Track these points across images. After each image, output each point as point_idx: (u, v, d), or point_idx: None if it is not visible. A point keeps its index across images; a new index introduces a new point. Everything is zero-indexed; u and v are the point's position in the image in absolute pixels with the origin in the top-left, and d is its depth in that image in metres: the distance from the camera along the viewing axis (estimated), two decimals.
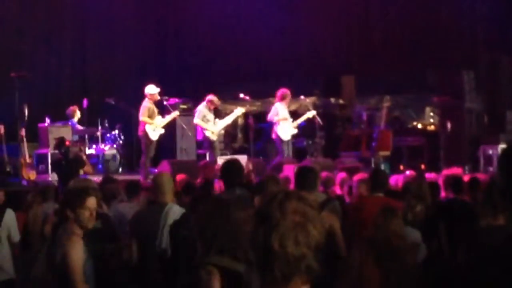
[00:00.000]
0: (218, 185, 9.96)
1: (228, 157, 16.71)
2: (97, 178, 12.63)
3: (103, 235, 7.12)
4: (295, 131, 17.29)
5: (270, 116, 17.07)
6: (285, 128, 17.04)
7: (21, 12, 20.02)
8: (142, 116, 16.05)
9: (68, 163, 13.10)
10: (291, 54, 21.56)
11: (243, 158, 16.63)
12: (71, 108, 17.94)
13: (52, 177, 15.51)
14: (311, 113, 17.53)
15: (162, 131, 16.34)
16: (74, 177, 9.78)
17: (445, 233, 8.03)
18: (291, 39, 21.66)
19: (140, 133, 16.18)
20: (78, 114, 17.94)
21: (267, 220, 2.84)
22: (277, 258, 2.81)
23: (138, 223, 7.82)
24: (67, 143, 13.97)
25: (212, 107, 16.88)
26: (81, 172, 13.06)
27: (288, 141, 17.15)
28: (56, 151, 14.65)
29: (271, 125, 17.15)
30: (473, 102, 19.99)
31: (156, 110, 16.30)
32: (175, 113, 16.86)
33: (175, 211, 7.68)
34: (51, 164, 15.25)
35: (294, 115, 17.91)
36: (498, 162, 3.21)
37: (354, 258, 6.70)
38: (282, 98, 17.04)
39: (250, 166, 15.57)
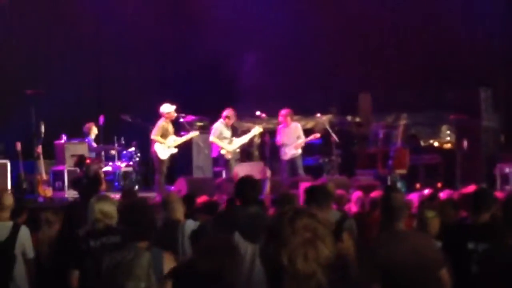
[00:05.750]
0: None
1: (246, 164, 16.80)
2: (113, 195, 12.65)
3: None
4: (296, 151, 17.40)
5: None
6: (285, 149, 17.33)
7: (37, 29, 20.13)
8: (153, 135, 16.14)
9: (89, 180, 13.19)
10: (307, 72, 21.55)
11: (260, 165, 16.70)
12: (87, 125, 17.95)
13: (68, 194, 15.56)
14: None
15: (175, 150, 16.37)
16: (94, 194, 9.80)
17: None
18: (307, 56, 21.65)
19: (152, 151, 16.28)
20: (94, 131, 17.92)
21: (277, 236, 2.84)
22: (286, 274, 2.80)
23: (156, 241, 7.87)
24: (87, 160, 14.10)
25: (229, 122, 16.89)
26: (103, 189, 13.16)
27: (288, 160, 17.39)
28: (76, 168, 14.76)
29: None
30: (490, 120, 19.86)
31: (171, 129, 16.34)
32: (193, 133, 16.92)
33: (189, 225, 8.22)
34: (71, 181, 15.26)
35: (311, 132, 17.89)
36: None
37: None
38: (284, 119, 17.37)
39: (268, 174, 15.56)
